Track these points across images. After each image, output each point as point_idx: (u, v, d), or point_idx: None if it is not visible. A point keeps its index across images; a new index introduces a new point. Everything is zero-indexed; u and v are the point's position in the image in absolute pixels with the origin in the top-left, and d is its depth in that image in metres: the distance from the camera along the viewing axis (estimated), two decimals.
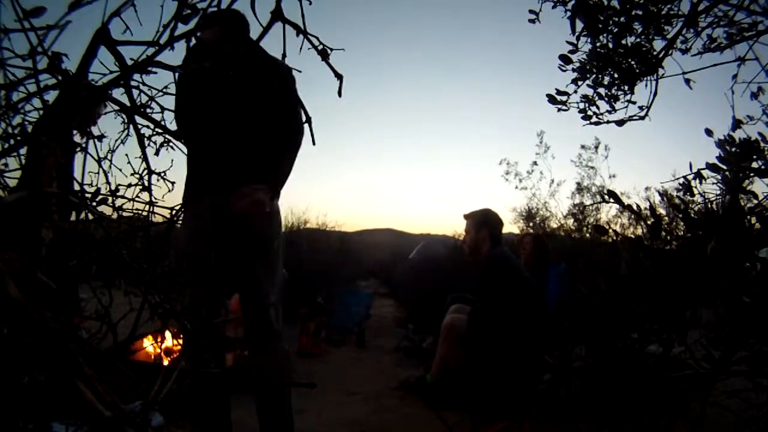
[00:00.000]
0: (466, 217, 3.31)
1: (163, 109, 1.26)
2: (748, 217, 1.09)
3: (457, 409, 2.76)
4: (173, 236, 1.86)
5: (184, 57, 1.73)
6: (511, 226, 7.69)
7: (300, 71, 1.97)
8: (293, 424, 1.89)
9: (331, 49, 1.78)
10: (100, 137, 1.19)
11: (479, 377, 2.78)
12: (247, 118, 1.85)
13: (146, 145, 1.12)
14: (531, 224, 7.36)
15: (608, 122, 1.72)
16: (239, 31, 1.89)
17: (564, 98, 1.68)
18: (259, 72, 1.87)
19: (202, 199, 1.83)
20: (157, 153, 1.68)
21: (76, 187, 0.90)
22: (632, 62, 1.66)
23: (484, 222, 3.20)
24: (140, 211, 1.03)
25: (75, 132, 1.10)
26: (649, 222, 1.18)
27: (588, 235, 6.54)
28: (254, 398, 1.90)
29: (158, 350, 3.13)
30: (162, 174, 1.34)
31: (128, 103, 0.86)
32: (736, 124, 1.32)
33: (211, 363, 1.82)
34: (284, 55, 1.13)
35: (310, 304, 4.49)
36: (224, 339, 1.92)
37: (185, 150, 1.90)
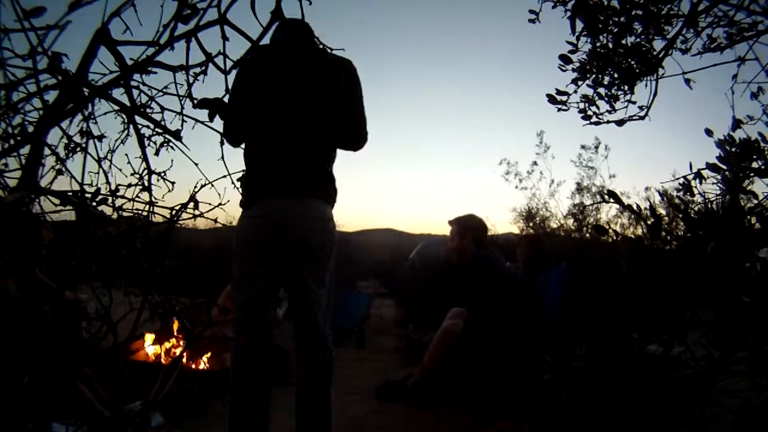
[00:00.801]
0: (450, 223, 3.35)
1: (163, 109, 1.26)
2: (748, 217, 1.09)
3: (459, 409, 2.76)
4: (235, 236, 1.86)
5: (253, 55, 1.72)
6: (511, 226, 7.70)
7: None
8: (331, 427, 1.88)
9: (332, 49, 1.78)
10: (100, 137, 1.19)
11: (476, 379, 2.79)
12: (309, 120, 1.85)
13: (146, 145, 1.13)
14: (531, 224, 7.36)
15: (608, 122, 1.72)
16: (307, 37, 1.92)
17: (564, 98, 1.68)
18: (326, 74, 1.87)
19: (259, 201, 1.83)
20: (157, 153, 1.68)
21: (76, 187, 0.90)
22: (632, 62, 1.66)
23: (467, 227, 3.24)
24: (140, 211, 1.03)
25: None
26: (649, 222, 1.18)
27: (588, 235, 6.54)
28: (294, 399, 1.91)
29: (160, 350, 3.13)
30: (162, 174, 1.34)
31: (128, 103, 0.86)
32: (736, 124, 1.32)
33: (259, 366, 1.83)
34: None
35: None
36: (272, 343, 1.94)
37: (244, 150, 1.91)
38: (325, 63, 1.87)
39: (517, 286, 3.05)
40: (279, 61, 1.85)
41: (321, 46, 1.92)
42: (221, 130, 1.56)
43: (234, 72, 1.80)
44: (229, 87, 1.84)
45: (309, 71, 1.86)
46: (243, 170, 1.88)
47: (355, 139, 1.94)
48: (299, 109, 1.83)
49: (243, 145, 1.91)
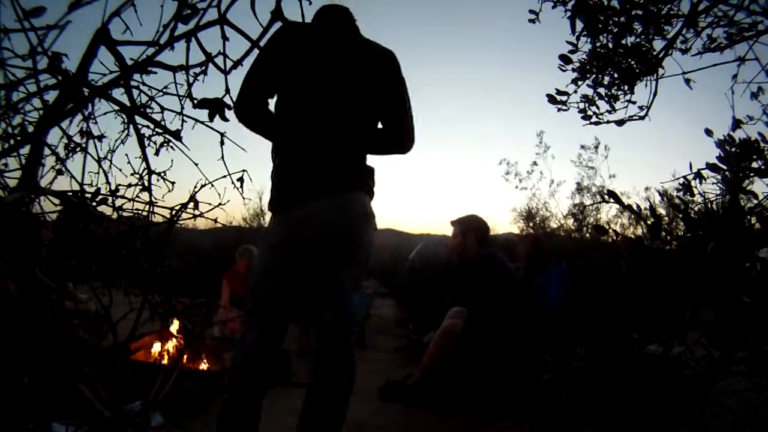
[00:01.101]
0: (452, 223, 3.36)
1: (163, 109, 1.26)
2: (748, 217, 1.09)
3: (459, 409, 2.76)
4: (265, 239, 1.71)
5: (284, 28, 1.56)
6: (511, 226, 7.70)
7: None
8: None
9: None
10: (100, 137, 1.19)
11: (476, 379, 2.79)
12: (351, 109, 1.70)
13: (146, 145, 1.13)
14: (531, 224, 7.36)
15: (608, 122, 1.72)
16: (349, 24, 1.80)
17: (564, 98, 1.68)
18: (370, 66, 1.72)
19: (294, 204, 1.66)
20: (157, 153, 1.67)
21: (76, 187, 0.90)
22: (632, 62, 1.66)
23: (470, 227, 3.24)
24: (140, 211, 1.03)
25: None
26: (649, 222, 1.18)
27: (588, 235, 6.54)
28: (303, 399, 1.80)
29: (161, 350, 3.13)
30: (162, 174, 1.34)
31: (128, 103, 0.86)
32: (736, 124, 1.32)
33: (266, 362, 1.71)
34: None
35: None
36: (283, 352, 1.82)
37: (273, 148, 1.75)
38: (371, 52, 1.74)
39: (519, 286, 3.05)
40: (322, 44, 1.69)
41: (361, 34, 1.81)
42: (221, 131, 1.53)
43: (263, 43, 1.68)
44: (247, 68, 1.63)
45: (355, 59, 1.72)
46: (275, 166, 1.73)
47: (404, 139, 1.78)
48: (344, 99, 1.69)
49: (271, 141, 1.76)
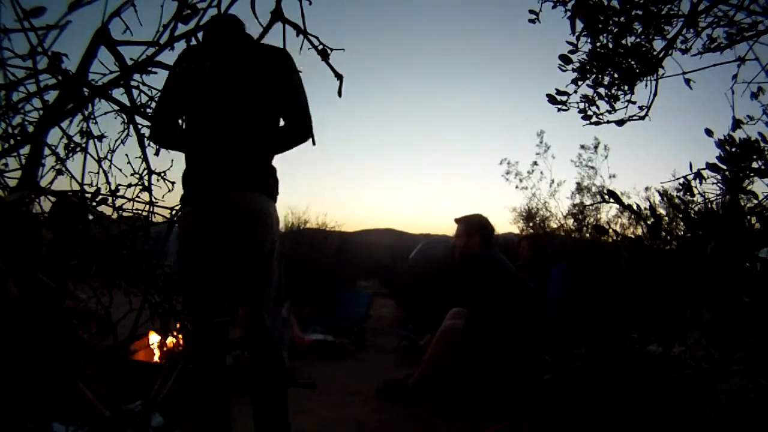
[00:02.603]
0: (457, 221, 3.34)
1: None
2: (748, 217, 1.09)
3: (459, 409, 2.76)
4: (176, 234, 1.85)
5: (181, 55, 1.70)
6: (511, 226, 7.70)
7: (300, 71, 1.96)
8: (290, 428, 1.85)
9: (331, 49, 1.77)
10: (100, 137, 1.19)
11: (476, 379, 2.79)
12: (247, 113, 1.82)
13: (146, 145, 1.12)
14: (531, 224, 7.36)
15: (608, 122, 1.72)
16: (236, 31, 1.88)
17: (564, 98, 1.68)
18: (263, 65, 1.84)
19: (197, 197, 1.78)
20: (157, 153, 1.67)
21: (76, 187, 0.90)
22: (632, 62, 1.66)
23: (475, 226, 3.23)
24: (140, 211, 1.03)
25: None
26: (649, 222, 1.18)
27: (588, 235, 6.54)
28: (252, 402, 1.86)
29: (159, 350, 3.13)
30: (162, 174, 1.34)
31: (128, 103, 0.86)
32: (736, 124, 1.32)
33: (208, 364, 1.78)
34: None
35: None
36: (223, 340, 1.87)
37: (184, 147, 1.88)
38: (258, 53, 1.85)
39: (522, 286, 3.05)
40: (210, 54, 1.81)
41: (252, 38, 1.89)
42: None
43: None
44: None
45: (241, 62, 1.83)
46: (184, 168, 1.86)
47: (296, 131, 1.87)
48: (234, 101, 1.80)
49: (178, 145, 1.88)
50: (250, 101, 1.82)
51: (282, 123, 1.90)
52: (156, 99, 1.22)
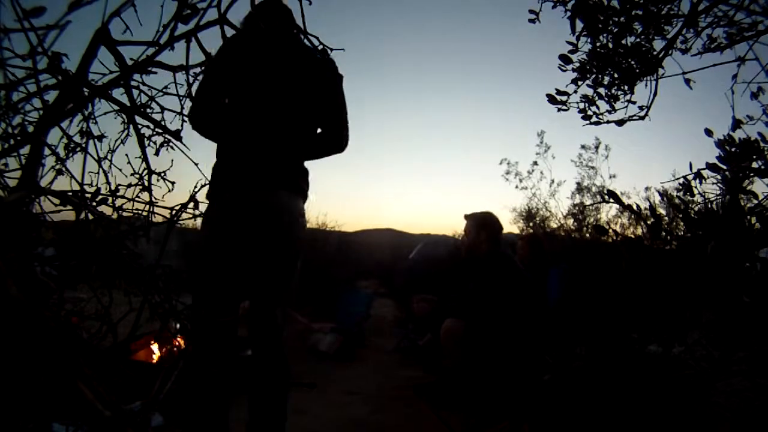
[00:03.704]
0: (467, 217, 3.34)
1: (163, 109, 1.26)
2: (748, 217, 1.09)
3: (458, 409, 2.76)
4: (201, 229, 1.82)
5: (229, 40, 1.65)
6: (511, 226, 7.68)
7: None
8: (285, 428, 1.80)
9: (332, 49, 1.78)
10: (100, 137, 1.19)
11: (478, 379, 2.78)
12: (288, 111, 1.78)
13: (146, 145, 1.13)
14: (531, 224, 7.36)
15: (608, 122, 1.72)
16: (288, 24, 1.85)
17: (564, 98, 1.68)
18: (309, 66, 1.81)
19: (230, 193, 1.75)
20: (157, 153, 1.67)
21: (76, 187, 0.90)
22: (632, 62, 1.66)
23: (484, 224, 3.22)
24: (140, 211, 1.03)
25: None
26: (649, 222, 1.18)
27: (588, 235, 6.54)
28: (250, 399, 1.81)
29: (159, 350, 3.13)
30: (162, 174, 1.34)
31: (128, 103, 0.86)
32: (736, 124, 1.32)
33: (213, 363, 1.72)
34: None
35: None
36: (233, 338, 1.84)
37: (212, 146, 1.82)
38: (310, 58, 1.82)
39: (528, 285, 3.05)
40: (262, 48, 1.78)
41: (304, 41, 1.84)
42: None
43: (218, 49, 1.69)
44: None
45: (293, 63, 1.80)
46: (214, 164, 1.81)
47: (334, 142, 1.86)
48: (278, 97, 1.76)
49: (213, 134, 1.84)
50: (293, 100, 1.78)
51: (319, 129, 1.87)
52: (155, 99, 1.21)
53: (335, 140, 1.86)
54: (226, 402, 1.78)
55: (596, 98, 1.71)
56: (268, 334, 1.78)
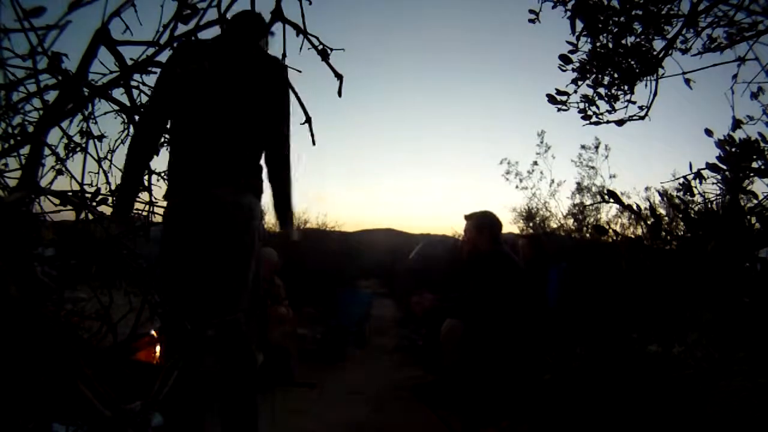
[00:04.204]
0: (467, 217, 3.34)
1: None
2: (748, 217, 1.09)
3: (458, 409, 2.76)
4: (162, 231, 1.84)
5: (177, 53, 1.66)
6: (511, 226, 7.68)
7: (300, 71, 1.95)
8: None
9: (331, 49, 1.78)
10: (100, 137, 1.19)
11: (478, 379, 2.78)
12: (234, 114, 1.78)
13: None
14: (531, 224, 7.36)
15: (608, 122, 1.71)
16: (247, 33, 1.88)
17: (564, 98, 1.68)
18: (255, 72, 1.81)
19: (180, 194, 1.75)
20: (157, 153, 1.67)
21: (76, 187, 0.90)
22: (632, 62, 1.66)
23: (485, 223, 3.23)
24: (140, 211, 1.03)
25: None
26: (649, 222, 1.18)
27: (588, 235, 6.54)
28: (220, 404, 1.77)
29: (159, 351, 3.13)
30: (162, 174, 1.34)
31: (128, 103, 0.86)
32: (736, 124, 1.32)
33: (188, 366, 1.73)
34: (284, 55, 1.13)
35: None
36: (203, 341, 1.81)
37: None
38: (256, 68, 1.82)
39: (532, 285, 3.05)
40: (206, 59, 1.76)
41: (261, 47, 1.84)
42: None
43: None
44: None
45: (237, 72, 1.80)
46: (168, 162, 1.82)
47: (274, 155, 1.86)
48: (222, 107, 1.77)
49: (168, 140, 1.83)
50: (238, 103, 1.79)
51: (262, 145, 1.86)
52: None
53: (277, 166, 1.86)
54: (198, 406, 1.74)
55: (596, 98, 1.71)
56: (230, 337, 1.74)
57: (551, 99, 1.68)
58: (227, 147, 1.77)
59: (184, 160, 1.76)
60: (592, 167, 6.93)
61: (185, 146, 1.77)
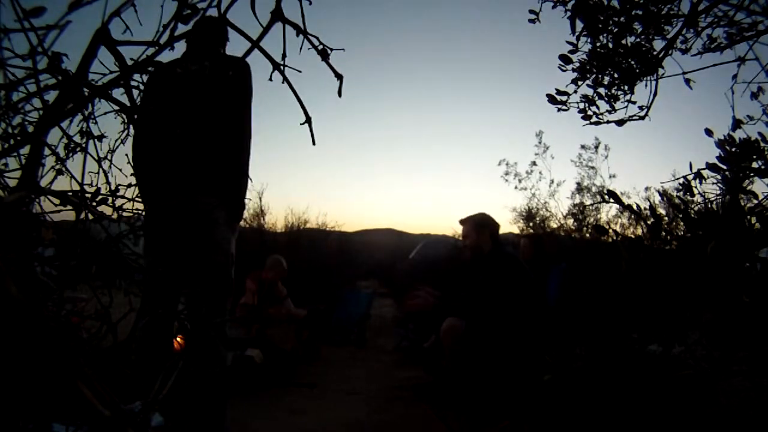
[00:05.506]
0: (463, 222, 3.34)
1: None
2: (748, 217, 1.09)
3: (458, 409, 2.76)
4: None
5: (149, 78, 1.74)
6: (510, 226, 7.69)
7: (300, 71, 1.97)
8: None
9: (331, 49, 1.77)
10: (100, 137, 1.19)
11: (478, 378, 2.78)
12: (196, 122, 1.89)
13: None
14: (531, 224, 7.36)
15: (608, 122, 1.71)
16: (207, 42, 1.95)
17: (564, 98, 1.68)
18: (221, 76, 1.93)
19: (154, 200, 1.88)
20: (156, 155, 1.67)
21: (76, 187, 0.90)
22: (632, 62, 1.66)
23: (483, 224, 3.24)
24: (140, 211, 1.03)
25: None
26: (649, 222, 1.18)
27: (588, 235, 6.54)
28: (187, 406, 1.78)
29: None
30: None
31: (128, 103, 0.86)
32: (736, 124, 1.32)
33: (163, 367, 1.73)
34: (284, 55, 1.13)
35: (310, 309, 4.43)
36: (222, 339, 1.84)
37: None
38: (213, 76, 1.92)
39: (534, 285, 3.06)
40: (170, 80, 1.90)
41: (221, 51, 1.99)
42: None
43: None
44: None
45: (196, 86, 1.91)
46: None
47: (233, 148, 1.96)
48: (184, 119, 1.89)
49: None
50: (202, 108, 1.89)
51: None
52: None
53: (228, 145, 1.94)
54: (218, 402, 1.77)
55: (596, 98, 1.71)
56: (198, 333, 1.75)
57: (551, 99, 1.68)
58: (194, 153, 1.89)
59: (155, 168, 1.89)
60: (592, 167, 6.94)
61: (157, 155, 1.89)
